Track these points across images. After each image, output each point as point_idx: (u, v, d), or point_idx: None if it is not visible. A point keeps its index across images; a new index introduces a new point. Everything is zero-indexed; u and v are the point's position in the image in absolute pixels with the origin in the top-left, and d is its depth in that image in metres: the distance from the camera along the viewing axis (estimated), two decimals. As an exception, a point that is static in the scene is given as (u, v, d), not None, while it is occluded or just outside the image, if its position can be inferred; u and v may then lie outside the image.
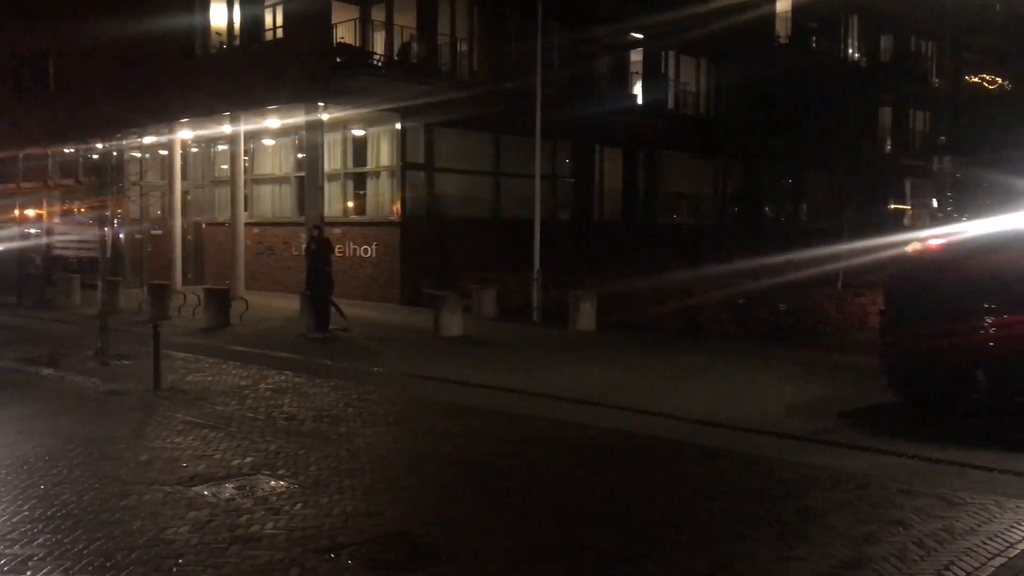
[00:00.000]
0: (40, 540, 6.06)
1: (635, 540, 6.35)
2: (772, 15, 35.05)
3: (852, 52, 39.90)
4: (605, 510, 7.02)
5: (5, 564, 5.62)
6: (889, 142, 42.76)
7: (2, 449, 8.50)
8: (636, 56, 30.30)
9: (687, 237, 31.12)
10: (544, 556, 6.03)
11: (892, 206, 44.29)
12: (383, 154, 24.21)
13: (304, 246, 18.89)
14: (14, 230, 27.36)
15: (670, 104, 31.51)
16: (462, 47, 24.97)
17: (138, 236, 26.75)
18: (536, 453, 8.80)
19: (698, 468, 8.39)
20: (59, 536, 6.13)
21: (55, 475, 7.62)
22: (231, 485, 7.45)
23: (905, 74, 41.14)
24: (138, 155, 27.90)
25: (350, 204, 25.03)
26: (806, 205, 39.37)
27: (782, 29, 36.01)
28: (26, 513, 6.60)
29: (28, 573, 5.49)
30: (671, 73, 31.61)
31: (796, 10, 36.04)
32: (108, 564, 5.64)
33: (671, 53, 31.29)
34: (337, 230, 22.78)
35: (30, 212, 31.32)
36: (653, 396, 11.76)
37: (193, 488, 7.33)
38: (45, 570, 5.53)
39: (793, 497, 7.45)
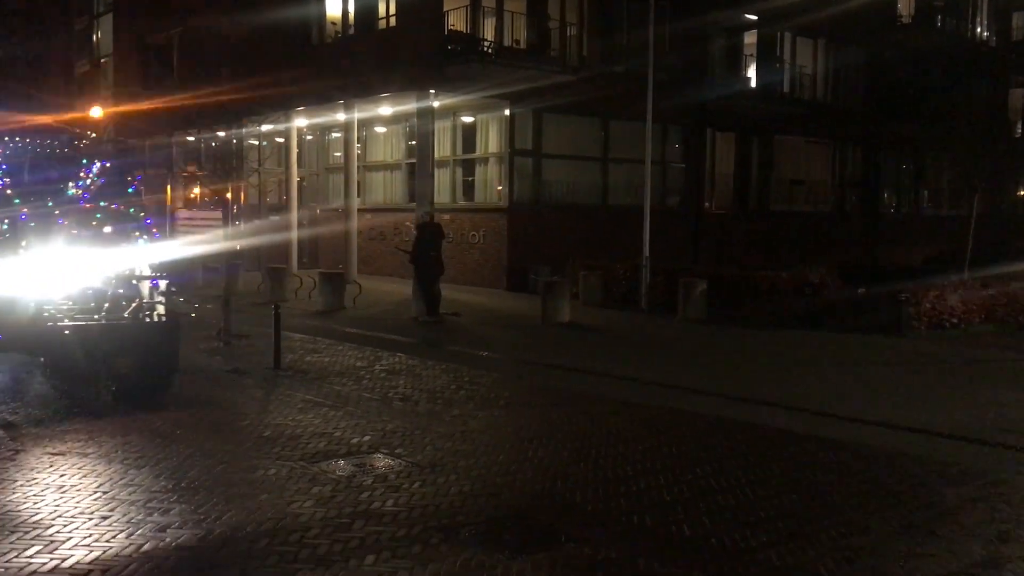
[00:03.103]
0: (176, 510, 6.34)
1: (756, 531, 6.23)
2: (894, -6, 33.72)
3: (981, 31, 37.98)
4: (724, 499, 6.90)
5: (148, 530, 5.91)
6: (1021, 125, 40.53)
7: (137, 423, 8.92)
8: (750, 38, 29.58)
9: (802, 225, 30.31)
10: (661, 544, 5.97)
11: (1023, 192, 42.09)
12: (491, 140, 24.37)
13: (415, 232, 19.19)
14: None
15: (785, 87, 30.67)
16: (571, 32, 24.85)
17: (256, 222, 27.67)
18: (650, 440, 8.73)
19: (819, 460, 8.16)
20: (192, 506, 6.41)
21: (186, 448, 7.96)
22: (351, 462, 7.64)
23: (1040, 53, 38.93)
24: (256, 143, 28.84)
25: (459, 191, 25.29)
26: (927, 192, 37.78)
27: (904, 9, 34.56)
28: (163, 484, 6.92)
29: (167, 539, 5.76)
30: (787, 56, 30.74)
31: (920, -12, 34.56)
32: (239, 535, 5.87)
33: (787, 35, 30.42)
34: (446, 216, 23.06)
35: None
36: (767, 385, 11.51)
37: (316, 464, 7.55)
38: (182, 538, 5.79)
39: (920, 492, 7.18)
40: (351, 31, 24.98)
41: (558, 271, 20.87)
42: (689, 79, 25.92)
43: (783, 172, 31.26)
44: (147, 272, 10.08)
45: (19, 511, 6.24)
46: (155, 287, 9.95)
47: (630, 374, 12.22)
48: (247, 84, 25.67)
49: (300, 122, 27.46)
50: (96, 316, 9.54)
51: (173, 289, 10.31)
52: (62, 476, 7.05)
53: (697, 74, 26.70)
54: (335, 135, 28.44)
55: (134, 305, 9.78)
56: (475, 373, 12.08)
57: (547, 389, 11.36)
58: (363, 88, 23.44)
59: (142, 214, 10.38)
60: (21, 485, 6.83)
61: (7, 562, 5.35)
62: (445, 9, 22.75)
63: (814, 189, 32.82)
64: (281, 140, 28.30)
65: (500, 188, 23.87)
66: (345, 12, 25.05)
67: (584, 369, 12.63)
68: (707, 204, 28.48)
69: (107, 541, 5.70)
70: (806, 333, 16.35)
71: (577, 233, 23.57)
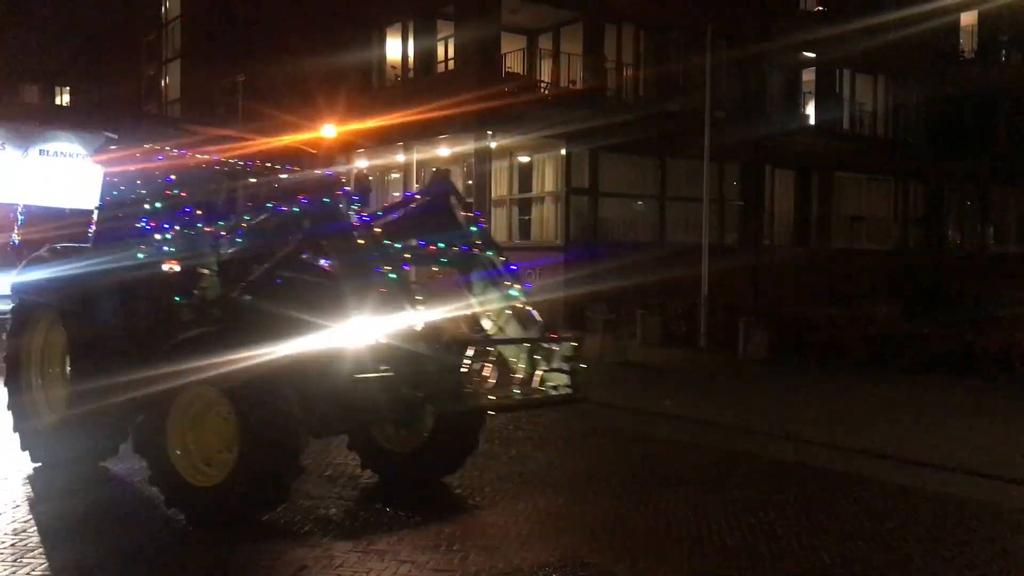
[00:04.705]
0: (246, 551, 6.45)
1: (820, 578, 6.10)
2: (956, 29, 33.27)
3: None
4: (787, 545, 6.77)
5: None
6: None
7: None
8: (808, 75, 29.45)
9: (864, 262, 29.82)
10: (723, 590, 5.88)
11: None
12: (548, 179, 24.53)
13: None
14: None
15: (845, 124, 30.43)
16: (627, 71, 25.01)
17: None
18: (710, 483, 8.61)
19: (886, 505, 7.97)
20: (264, 545, 6.50)
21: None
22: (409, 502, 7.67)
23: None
24: (318, 183, 29.37)
25: (515, 229, 25.45)
26: (993, 228, 36.97)
27: (967, 43, 34.10)
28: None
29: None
30: (846, 92, 30.51)
31: (983, 23, 34.05)
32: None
33: (846, 71, 30.22)
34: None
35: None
36: (829, 427, 11.28)
37: (376, 504, 7.60)
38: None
39: (991, 540, 6.97)
40: (411, 74, 25.47)
41: (615, 309, 20.79)
42: (747, 116, 25.84)
43: (843, 209, 30.87)
44: (522, 333, 7.79)
45: None
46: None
47: (689, 415, 12.09)
48: (308, 126, 26.25)
49: (361, 163, 27.96)
50: (515, 391, 7.34)
51: (579, 355, 7.51)
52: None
53: (755, 111, 26.61)
54: (394, 176, 28.89)
55: (538, 375, 7.38)
56: (532, 412, 12.01)
57: (605, 429, 11.29)
58: (422, 130, 23.83)
59: (502, 259, 8.16)
60: None
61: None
62: (503, 52, 23.10)
63: (875, 226, 32.32)
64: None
65: (557, 227, 23.94)
66: (405, 56, 25.57)
67: (642, 409, 12.53)
68: (766, 241, 28.19)
69: None
70: (869, 373, 16.02)
71: (634, 271, 23.46)
